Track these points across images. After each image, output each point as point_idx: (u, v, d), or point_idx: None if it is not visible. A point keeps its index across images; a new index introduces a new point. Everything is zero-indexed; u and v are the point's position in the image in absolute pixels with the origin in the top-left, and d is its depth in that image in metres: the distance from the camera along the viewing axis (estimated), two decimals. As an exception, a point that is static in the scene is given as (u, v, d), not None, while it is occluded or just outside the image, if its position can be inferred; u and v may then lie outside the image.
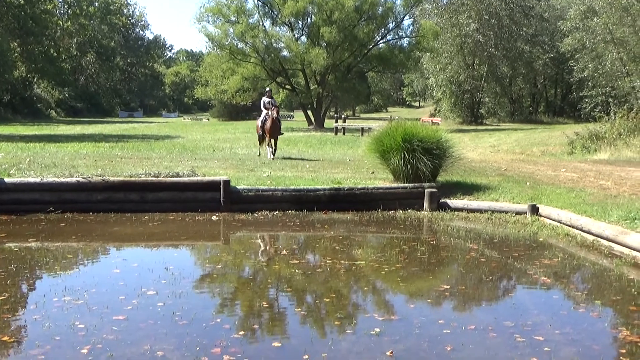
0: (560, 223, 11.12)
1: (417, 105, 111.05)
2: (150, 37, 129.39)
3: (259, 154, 20.19)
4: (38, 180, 12.46)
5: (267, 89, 21.61)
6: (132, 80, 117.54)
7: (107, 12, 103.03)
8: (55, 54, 77.93)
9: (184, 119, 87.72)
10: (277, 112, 19.54)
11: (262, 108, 20.03)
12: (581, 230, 10.42)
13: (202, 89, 61.55)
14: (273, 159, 18.98)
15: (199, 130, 45.05)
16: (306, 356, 5.44)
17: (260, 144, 20.69)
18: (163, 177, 13.23)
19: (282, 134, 20.85)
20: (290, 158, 19.99)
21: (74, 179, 12.60)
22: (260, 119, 20.01)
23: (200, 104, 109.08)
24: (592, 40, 46.06)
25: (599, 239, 9.91)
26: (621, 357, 5.63)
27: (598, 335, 6.20)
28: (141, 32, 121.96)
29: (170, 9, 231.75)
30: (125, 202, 12.44)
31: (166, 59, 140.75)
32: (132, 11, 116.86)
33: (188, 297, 7.11)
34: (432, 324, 6.37)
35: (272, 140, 19.48)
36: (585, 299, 7.49)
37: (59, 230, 10.90)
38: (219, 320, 6.40)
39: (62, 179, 12.61)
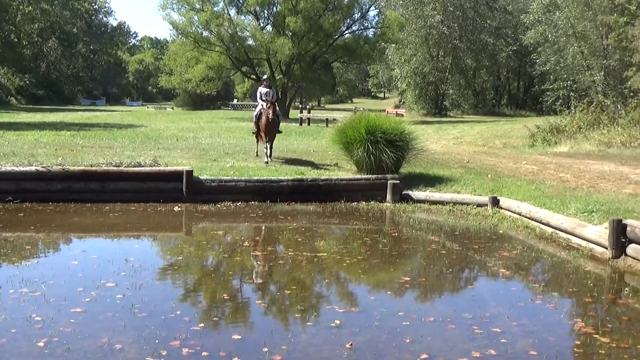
0: (520, 215, 11.27)
1: (383, 96, 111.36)
2: (114, 23, 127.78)
3: (257, 154, 16.85)
4: (-4, 169, 12.25)
5: (264, 76, 18.41)
6: (95, 67, 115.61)
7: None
8: (15, 40, 76.24)
9: (147, 107, 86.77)
10: (274, 110, 15.88)
11: (258, 100, 16.63)
12: (540, 222, 10.58)
13: (166, 77, 60.74)
14: (268, 163, 15.40)
15: (163, 119, 44.62)
16: (266, 349, 5.44)
17: (257, 140, 17.01)
18: (125, 166, 13.10)
19: (281, 132, 17.25)
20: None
21: (33, 168, 12.41)
22: (256, 112, 16.60)
23: (165, 92, 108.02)
24: (554, 34, 46.76)
25: (557, 231, 10.06)
26: (576, 348, 5.74)
27: (554, 327, 6.30)
28: (104, 18, 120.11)
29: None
30: (85, 192, 12.31)
31: (130, 47, 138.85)
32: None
33: (148, 289, 7.06)
34: (392, 316, 6.41)
35: (268, 141, 15.83)
36: (543, 291, 7.60)
37: (18, 220, 10.73)
38: (178, 312, 6.37)
39: (21, 168, 12.42)
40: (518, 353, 5.50)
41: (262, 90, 16.60)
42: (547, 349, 5.60)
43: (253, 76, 55.05)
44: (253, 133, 17.15)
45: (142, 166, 13.24)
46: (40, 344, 5.40)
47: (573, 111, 29.02)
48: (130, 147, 18.56)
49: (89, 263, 8.25)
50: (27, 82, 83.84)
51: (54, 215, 11.17)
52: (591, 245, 9.16)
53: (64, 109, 61.99)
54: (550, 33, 47.26)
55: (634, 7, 32.84)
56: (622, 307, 7.02)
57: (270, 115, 15.51)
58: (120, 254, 8.63)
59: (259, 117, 16.05)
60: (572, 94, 44.92)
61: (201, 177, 12.85)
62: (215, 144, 21.28)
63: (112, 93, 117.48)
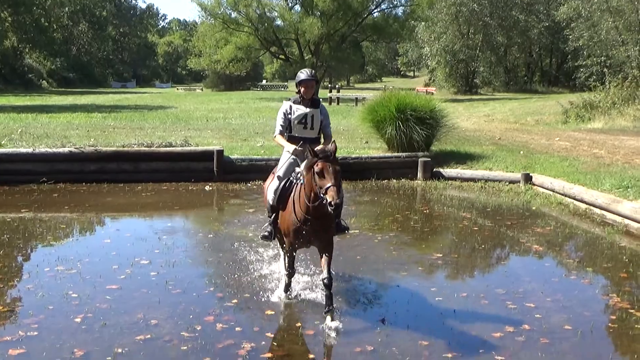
0: (553, 192, 11.15)
1: (412, 75, 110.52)
2: (143, 6, 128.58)
3: (286, 289, 6.28)
4: (30, 150, 12.41)
5: (303, 76, 6.38)
6: (125, 50, 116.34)
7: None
8: (46, 24, 77.10)
9: (177, 89, 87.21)
10: (334, 159, 5.33)
11: (280, 139, 6.41)
12: (574, 198, 10.46)
13: (195, 59, 60.90)
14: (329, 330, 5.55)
15: (193, 100, 44.81)
16: (299, 324, 5.47)
17: (271, 236, 6.44)
18: (156, 147, 13.19)
19: (347, 228, 6.39)
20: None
21: (66, 150, 12.55)
22: (273, 185, 6.28)
23: (194, 74, 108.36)
24: (588, 9, 45.81)
25: (591, 207, 9.95)
26: (610, 324, 5.67)
27: (589, 302, 6.23)
28: (133, 1, 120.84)
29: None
30: (118, 172, 12.44)
31: (159, 29, 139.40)
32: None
33: (181, 267, 7.13)
34: (425, 292, 6.39)
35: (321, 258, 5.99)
36: (577, 267, 7.53)
37: (52, 200, 10.89)
38: (212, 289, 6.43)
39: (55, 150, 12.56)
40: (552, 328, 5.46)
41: (296, 109, 6.52)
42: (582, 324, 5.55)
43: (282, 56, 54.92)
44: (264, 236, 6.47)
45: (174, 146, 13.33)
46: (77, 319, 5.49)
47: (607, 87, 28.49)
48: (161, 128, 18.70)
49: (123, 241, 8.36)
50: (58, 65, 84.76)
51: (88, 196, 11.31)
52: (626, 221, 9.04)
53: (94, 92, 62.59)
54: (583, 8, 46.32)
55: (670, -20, 32.10)
56: (658, 283, 6.91)
57: (334, 200, 5.14)
58: (153, 233, 8.73)
59: (281, 193, 6.16)
60: (606, 69, 43.95)
61: (232, 157, 12.91)
62: (245, 124, 21.34)
63: (142, 75, 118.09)
